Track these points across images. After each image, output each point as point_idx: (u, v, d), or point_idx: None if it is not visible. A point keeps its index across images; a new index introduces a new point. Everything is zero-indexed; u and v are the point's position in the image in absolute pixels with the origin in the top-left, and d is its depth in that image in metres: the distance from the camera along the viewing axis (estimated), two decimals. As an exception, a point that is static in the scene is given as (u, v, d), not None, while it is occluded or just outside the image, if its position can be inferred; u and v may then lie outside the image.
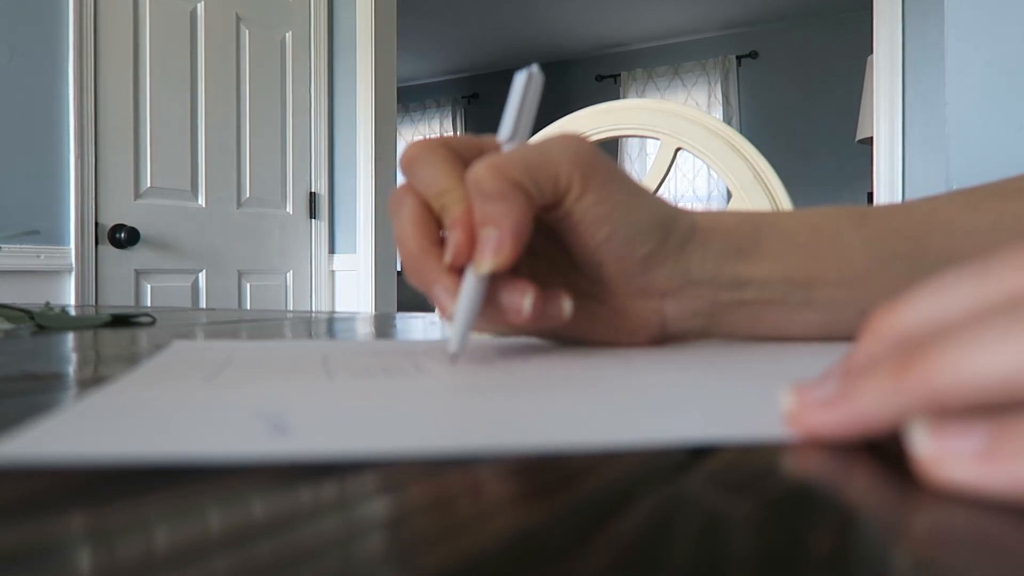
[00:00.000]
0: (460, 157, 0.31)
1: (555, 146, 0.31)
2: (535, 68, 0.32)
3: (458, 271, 0.30)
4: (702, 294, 0.34)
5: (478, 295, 0.29)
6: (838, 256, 0.35)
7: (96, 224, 1.96)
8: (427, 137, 0.32)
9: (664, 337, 0.35)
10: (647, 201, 0.33)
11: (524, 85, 0.31)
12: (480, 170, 0.29)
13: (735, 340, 0.36)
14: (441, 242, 0.30)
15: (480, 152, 0.32)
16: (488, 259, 0.29)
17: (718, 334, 0.36)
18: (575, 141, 0.32)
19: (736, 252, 0.34)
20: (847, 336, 0.36)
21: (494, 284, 0.30)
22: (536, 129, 0.97)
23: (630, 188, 0.33)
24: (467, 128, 5.74)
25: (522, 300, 0.30)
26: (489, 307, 0.30)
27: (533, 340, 0.36)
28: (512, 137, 0.32)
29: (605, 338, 0.35)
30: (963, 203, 0.38)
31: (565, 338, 0.35)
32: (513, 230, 0.29)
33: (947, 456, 0.13)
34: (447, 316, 0.30)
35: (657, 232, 0.33)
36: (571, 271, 0.34)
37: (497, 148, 0.33)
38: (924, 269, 0.35)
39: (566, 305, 0.31)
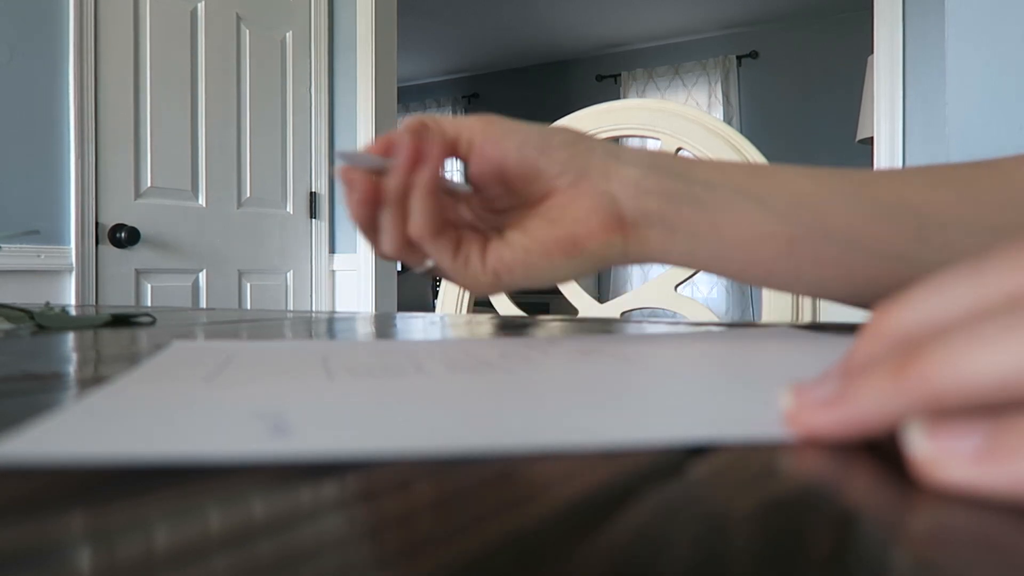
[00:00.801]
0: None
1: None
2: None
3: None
4: (646, 176, 0.37)
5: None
6: (781, 178, 0.37)
7: (96, 224, 1.96)
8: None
9: (624, 223, 0.36)
10: (554, 128, 0.38)
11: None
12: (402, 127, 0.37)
13: (707, 251, 0.37)
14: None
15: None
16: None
17: (684, 232, 0.37)
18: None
19: (672, 160, 0.38)
20: (816, 265, 0.36)
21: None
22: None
23: (534, 125, 0.38)
24: (467, 128, 5.73)
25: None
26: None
27: (532, 339, 0.36)
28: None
29: (566, 232, 0.37)
30: (913, 170, 0.39)
31: (533, 248, 0.37)
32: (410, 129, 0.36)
33: (945, 456, 0.13)
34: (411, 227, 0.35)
35: (569, 132, 0.38)
36: (514, 184, 0.38)
37: None
38: (871, 204, 0.36)
39: (428, 263, 0.37)
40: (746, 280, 0.39)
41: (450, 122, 0.37)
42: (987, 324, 0.13)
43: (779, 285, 0.38)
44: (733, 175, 0.37)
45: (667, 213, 0.36)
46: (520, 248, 0.37)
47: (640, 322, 0.57)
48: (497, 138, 0.37)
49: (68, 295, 1.91)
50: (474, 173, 0.38)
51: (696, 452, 0.17)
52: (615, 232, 0.36)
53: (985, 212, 0.36)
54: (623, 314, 0.86)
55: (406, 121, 0.37)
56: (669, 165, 0.37)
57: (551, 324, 0.54)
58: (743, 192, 0.36)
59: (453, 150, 0.37)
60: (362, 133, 2.44)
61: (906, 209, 0.36)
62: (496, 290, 0.37)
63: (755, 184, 0.36)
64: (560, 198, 0.37)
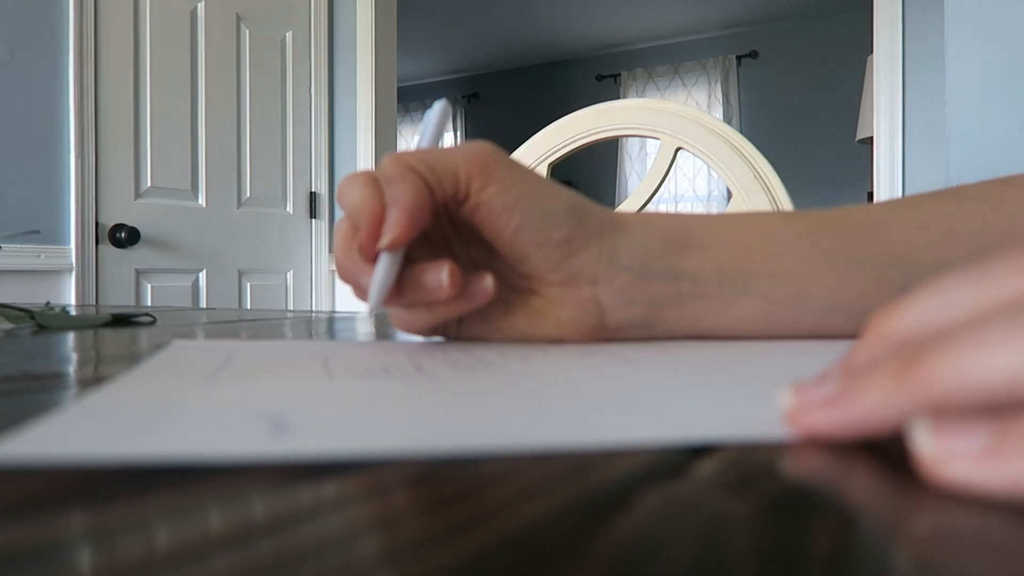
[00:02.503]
0: (378, 181, 0.34)
1: (456, 147, 0.34)
2: (445, 101, 0.38)
3: (370, 258, 0.33)
4: (635, 283, 0.35)
5: (390, 266, 0.33)
6: (769, 249, 0.36)
7: (96, 224, 1.96)
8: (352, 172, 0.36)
9: (607, 329, 0.36)
10: (554, 189, 0.35)
11: (440, 115, 0.37)
12: (383, 159, 0.34)
13: (682, 336, 0.37)
14: None
15: None
16: (387, 233, 0.32)
17: (663, 328, 0.37)
18: (475, 143, 0.35)
19: (665, 243, 0.36)
20: (793, 331, 0.36)
21: (417, 270, 0.33)
22: (538, 128, 0.97)
23: (534, 179, 0.35)
24: (467, 128, 5.74)
25: (440, 274, 0.32)
26: (417, 291, 0.33)
27: (531, 341, 0.36)
28: None
29: (547, 331, 0.36)
30: (899, 206, 0.39)
31: (512, 335, 0.36)
32: (407, 207, 0.32)
33: (949, 455, 0.13)
34: (369, 297, 0.33)
35: (569, 216, 0.34)
36: (502, 270, 0.36)
37: None
38: (857, 262, 0.36)
39: (488, 281, 0.34)
40: None
41: (444, 171, 0.33)
42: (990, 326, 0.13)
43: None
44: (720, 254, 0.36)
45: (650, 317, 0.36)
46: (498, 332, 0.37)
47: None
48: (495, 210, 0.34)
49: (68, 295, 1.91)
50: (456, 221, 0.36)
51: (696, 452, 0.17)
52: (596, 337, 0.36)
53: (971, 250, 0.36)
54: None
55: (396, 168, 0.33)
56: (662, 263, 0.35)
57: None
58: (727, 277, 0.36)
59: (442, 200, 0.34)
60: (362, 133, 2.44)
61: (892, 261, 0.36)
62: None
63: (741, 262, 0.36)
64: (547, 294, 0.36)
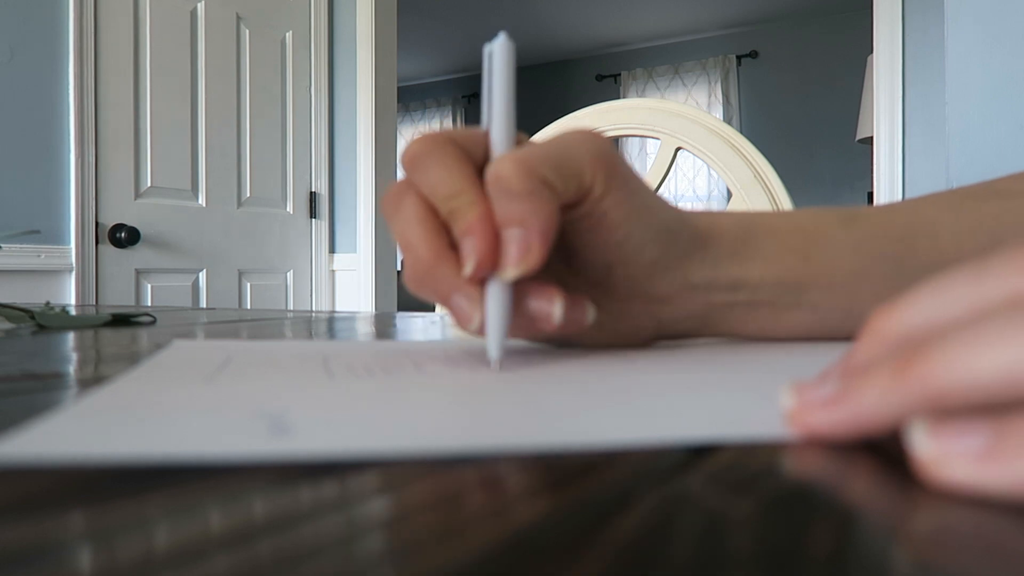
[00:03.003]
0: (469, 155, 0.28)
1: (577, 142, 0.29)
2: (505, 35, 0.29)
3: (479, 279, 0.27)
4: (698, 298, 0.34)
5: (507, 300, 0.27)
6: (828, 259, 0.36)
7: (96, 224, 1.96)
8: (430, 132, 0.30)
9: (657, 338, 0.36)
10: (657, 206, 0.32)
11: (506, 56, 0.28)
12: (506, 166, 0.27)
13: (725, 339, 0.37)
14: (454, 246, 0.28)
15: (486, 148, 0.29)
16: (515, 263, 0.26)
17: (707, 334, 0.36)
18: (596, 138, 0.30)
19: (731, 254, 0.34)
20: (832, 337, 0.36)
21: (521, 290, 0.28)
22: (538, 128, 0.97)
23: (646, 191, 0.32)
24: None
25: (551, 308, 0.28)
26: (516, 314, 0.28)
27: (532, 342, 0.36)
28: (490, 120, 0.29)
29: (600, 341, 0.35)
30: (944, 205, 0.38)
31: (558, 342, 0.35)
32: (542, 230, 0.26)
33: (948, 456, 0.13)
34: (471, 327, 0.27)
35: (662, 238, 0.32)
36: (570, 275, 0.33)
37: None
38: (910, 271, 0.36)
39: (590, 311, 0.30)
40: None
41: (570, 176, 0.28)
42: (988, 324, 0.13)
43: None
44: (780, 264, 0.34)
45: (699, 327, 0.35)
46: (545, 338, 0.34)
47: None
48: (604, 221, 0.30)
49: (68, 295, 1.90)
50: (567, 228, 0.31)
51: (696, 452, 0.17)
52: (641, 344, 0.35)
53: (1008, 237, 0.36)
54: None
55: (526, 182, 0.26)
56: (727, 276, 0.34)
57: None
58: (785, 288, 0.35)
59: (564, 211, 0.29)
60: (362, 133, 2.44)
61: (943, 269, 0.36)
62: None
63: (799, 273, 0.35)
64: (609, 308, 0.33)
